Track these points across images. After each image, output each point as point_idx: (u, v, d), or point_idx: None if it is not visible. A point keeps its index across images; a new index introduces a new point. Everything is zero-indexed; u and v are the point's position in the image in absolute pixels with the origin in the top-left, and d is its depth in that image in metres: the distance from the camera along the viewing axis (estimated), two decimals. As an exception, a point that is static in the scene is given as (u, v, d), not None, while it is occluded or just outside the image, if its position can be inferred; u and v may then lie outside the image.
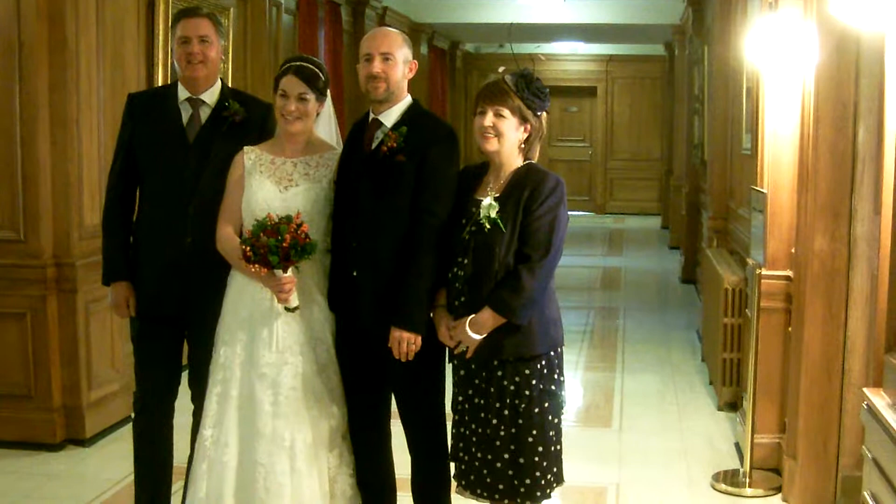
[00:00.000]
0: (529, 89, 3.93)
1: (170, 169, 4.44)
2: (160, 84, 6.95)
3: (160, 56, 7.01)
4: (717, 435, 6.52)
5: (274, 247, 3.92)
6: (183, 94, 4.52)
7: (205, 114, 4.50)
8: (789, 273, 5.63)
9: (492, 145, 3.98)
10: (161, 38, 7.01)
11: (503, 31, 15.86)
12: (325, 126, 4.42)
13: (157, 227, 4.48)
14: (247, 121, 4.48)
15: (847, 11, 4.03)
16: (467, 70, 20.86)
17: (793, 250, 5.58)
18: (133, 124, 4.56)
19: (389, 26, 4.84)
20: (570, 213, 4.01)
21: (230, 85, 7.76)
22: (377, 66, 4.10)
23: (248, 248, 3.97)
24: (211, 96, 4.52)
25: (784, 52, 5.56)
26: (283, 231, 3.93)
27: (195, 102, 4.50)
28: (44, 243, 6.01)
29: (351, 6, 12.16)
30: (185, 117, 4.50)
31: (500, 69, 4.04)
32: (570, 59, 21.21)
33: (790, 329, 5.54)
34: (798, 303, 5.35)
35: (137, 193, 4.59)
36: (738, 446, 6.15)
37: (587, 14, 14.94)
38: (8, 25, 5.90)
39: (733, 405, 6.85)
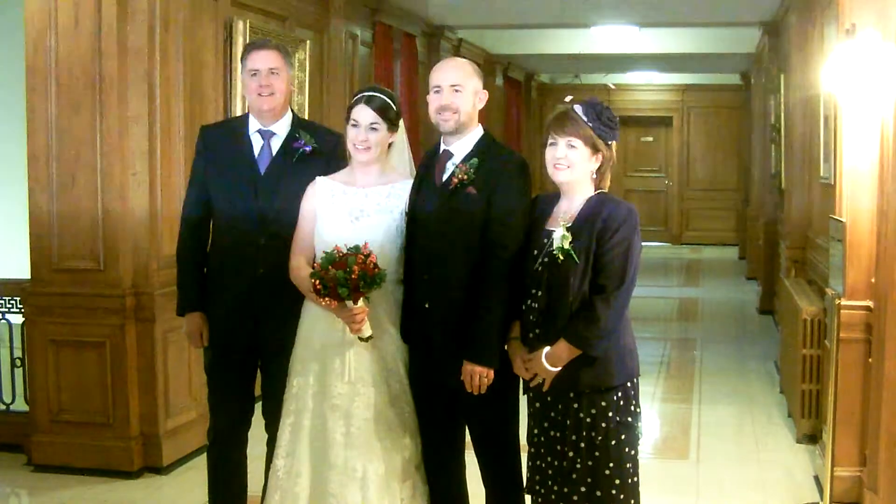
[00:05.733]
0: (600, 119, 3.90)
1: (241, 200, 4.46)
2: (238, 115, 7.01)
3: (238, 88, 7.08)
4: (796, 467, 6.40)
5: (343, 279, 3.90)
6: (254, 125, 4.55)
7: (276, 145, 4.52)
8: (869, 303, 5.52)
9: (564, 176, 3.94)
10: (239, 70, 7.07)
11: (576, 62, 15.84)
12: (399, 156, 4.40)
13: (230, 258, 4.50)
14: (317, 151, 4.49)
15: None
16: (543, 101, 20.80)
17: (873, 280, 5.48)
18: (205, 156, 4.60)
19: (464, 57, 4.81)
20: (645, 243, 3.96)
21: (307, 116, 7.84)
22: (446, 97, 4.07)
23: (318, 282, 3.96)
24: (281, 127, 4.54)
25: (863, 78, 5.47)
26: (352, 262, 3.91)
27: (266, 134, 4.53)
28: (123, 273, 6.09)
29: (426, 38, 12.22)
30: (256, 149, 4.52)
31: (567, 98, 4.01)
32: (645, 89, 21.14)
33: (870, 360, 5.44)
34: (878, 333, 5.25)
35: (211, 225, 4.63)
36: (817, 479, 6.03)
37: (663, 44, 14.85)
38: (89, 60, 6.00)
39: (813, 437, 6.73)
